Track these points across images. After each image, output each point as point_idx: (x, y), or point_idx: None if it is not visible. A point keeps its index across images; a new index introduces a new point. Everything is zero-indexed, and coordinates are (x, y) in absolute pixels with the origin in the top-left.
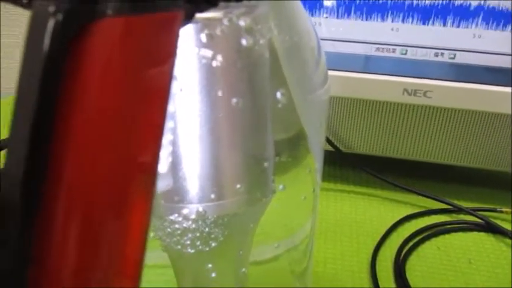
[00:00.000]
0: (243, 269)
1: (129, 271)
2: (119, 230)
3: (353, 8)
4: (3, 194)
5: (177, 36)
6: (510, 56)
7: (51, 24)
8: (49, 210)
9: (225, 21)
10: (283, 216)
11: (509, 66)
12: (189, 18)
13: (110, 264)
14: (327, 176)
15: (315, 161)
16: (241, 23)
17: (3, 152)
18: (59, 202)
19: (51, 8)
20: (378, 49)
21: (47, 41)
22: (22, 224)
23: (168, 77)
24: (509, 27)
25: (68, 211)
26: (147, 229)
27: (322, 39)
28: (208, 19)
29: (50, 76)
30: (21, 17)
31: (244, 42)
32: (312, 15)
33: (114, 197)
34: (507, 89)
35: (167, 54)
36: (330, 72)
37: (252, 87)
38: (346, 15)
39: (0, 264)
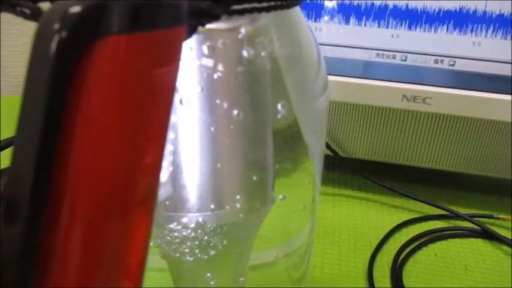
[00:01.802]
0: (241, 278)
1: (131, 272)
2: (123, 231)
3: (354, 14)
4: (11, 192)
5: (180, 49)
6: (509, 64)
7: (55, 40)
8: (54, 211)
9: (227, 33)
10: (283, 223)
11: (509, 74)
12: (192, 32)
13: (112, 264)
14: (325, 180)
15: (314, 168)
16: (243, 34)
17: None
18: (64, 202)
19: (56, 25)
20: (378, 55)
21: (51, 57)
22: (29, 224)
23: (171, 89)
24: (509, 36)
25: (72, 211)
26: (150, 231)
27: (322, 45)
28: (210, 31)
29: (56, 91)
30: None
31: (245, 53)
32: (313, 20)
33: (118, 199)
34: (506, 97)
35: (170, 66)
36: (330, 78)
37: (252, 98)
38: (346, 20)
39: (6, 263)
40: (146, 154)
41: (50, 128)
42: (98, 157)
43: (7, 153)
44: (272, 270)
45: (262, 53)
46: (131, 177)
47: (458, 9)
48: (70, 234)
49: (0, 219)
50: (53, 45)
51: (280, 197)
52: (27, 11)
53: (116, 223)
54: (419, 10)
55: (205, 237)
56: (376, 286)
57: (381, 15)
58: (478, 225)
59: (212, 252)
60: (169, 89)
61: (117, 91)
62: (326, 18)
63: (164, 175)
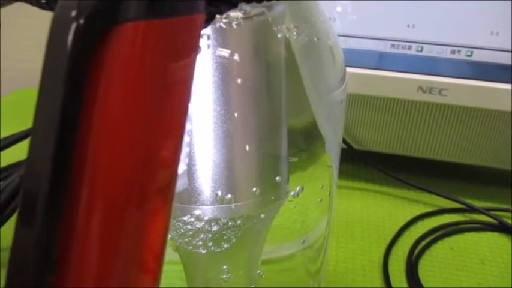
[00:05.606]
0: (259, 271)
1: (150, 265)
2: (141, 224)
3: (368, 4)
4: (28, 186)
5: (198, 37)
6: None
7: (73, 28)
8: (71, 204)
9: (243, 20)
10: (301, 215)
11: None
12: (209, 20)
13: (131, 258)
14: (338, 173)
15: (331, 161)
16: (259, 22)
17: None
18: (82, 195)
19: (73, 12)
20: (393, 46)
21: (69, 45)
22: (47, 218)
23: (189, 77)
24: None
25: (90, 204)
26: (168, 224)
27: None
28: (227, 18)
29: (73, 79)
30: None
31: (261, 41)
32: (326, 10)
33: (136, 191)
34: None
35: (188, 55)
36: None
37: (268, 87)
38: (360, 11)
39: (26, 260)
40: (164, 144)
41: (68, 118)
42: (116, 148)
43: (18, 146)
44: (290, 263)
45: (278, 40)
46: (149, 169)
47: None
48: (88, 228)
49: (17, 214)
50: (71, 33)
51: (298, 188)
52: (42, 0)
53: (133, 216)
54: None
55: (219, 230)
56: (391, 280)
57: (397, 5)
58: (494, 218)
59: (225, 245)
60: (187, 77)
61: (134, 79)
62: (340, 8)
63: (180, 167)
